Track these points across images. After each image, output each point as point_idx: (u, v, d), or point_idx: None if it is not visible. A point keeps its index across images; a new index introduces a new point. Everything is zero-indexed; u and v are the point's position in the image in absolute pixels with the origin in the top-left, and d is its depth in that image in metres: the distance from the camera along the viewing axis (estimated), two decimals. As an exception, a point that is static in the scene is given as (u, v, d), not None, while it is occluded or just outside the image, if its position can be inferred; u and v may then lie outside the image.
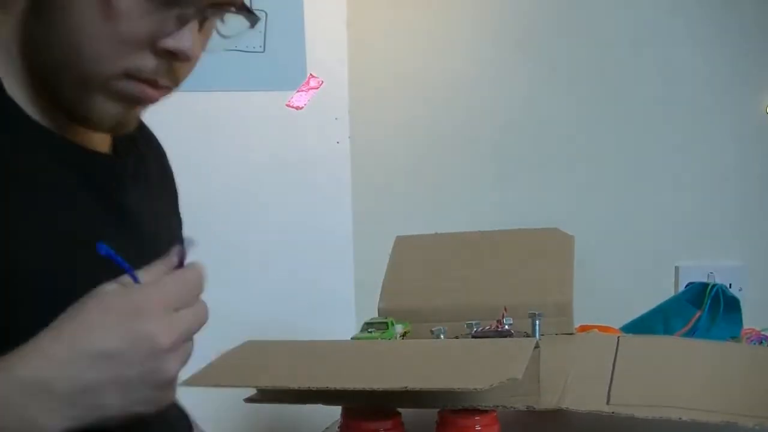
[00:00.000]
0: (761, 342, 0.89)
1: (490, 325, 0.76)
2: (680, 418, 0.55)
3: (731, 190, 1.37)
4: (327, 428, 0.75)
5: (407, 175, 1.48)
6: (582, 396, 0.60)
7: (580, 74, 1.40)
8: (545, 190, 1.41)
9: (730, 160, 1.37)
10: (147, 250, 0.73)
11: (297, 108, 1.39)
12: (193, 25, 0.69)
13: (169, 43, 0.69)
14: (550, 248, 0.89)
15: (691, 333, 0.93)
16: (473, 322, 0.78)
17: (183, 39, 0.69)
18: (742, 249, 1.36)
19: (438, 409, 0.57)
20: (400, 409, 0.59)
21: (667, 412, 0.56)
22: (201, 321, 0.64)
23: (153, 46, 0.69)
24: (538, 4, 1.41)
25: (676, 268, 1.37)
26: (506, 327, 0.75)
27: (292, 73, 1.38)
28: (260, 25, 1.36)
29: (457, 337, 0.77)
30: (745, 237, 1.36)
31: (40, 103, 0.72)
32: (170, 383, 0.61)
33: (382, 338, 0.78)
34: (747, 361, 0.73)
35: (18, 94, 0.71)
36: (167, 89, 0.72)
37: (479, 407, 0.56)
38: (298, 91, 1.40)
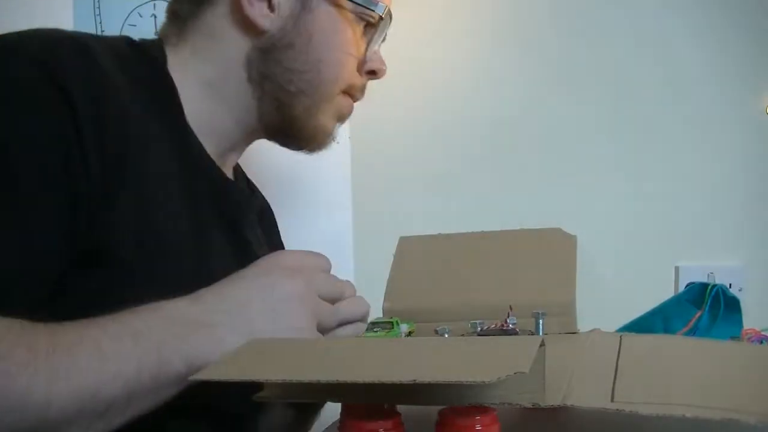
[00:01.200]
0: (761, 342, 0.89)
1: (495, 324, 0.77)
2: (683, 415, 0.55)
3: (731, 191, 1.37)
4: (327, 428, 0.75)
5: (408, 175, 1.48)
6: (586, 394, 0.60)
7: (582, 75, 1.40)
8: (546, 191, 1.41)
9: (731, 160, 1.37)
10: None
11: (297, 108, 1.38)
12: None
13: (375, 64, 0.90)
14: (553, 248, 0.90)
15: (692, 333, 0.93)
16: (477, 322, 0.78)
17: (381, 60, 0.91)
18: (742, 249, 1.37)
19: (439, 409, 0.57)
20: (400, 409, 0.59)
21: (670, 409, 0.56)
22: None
23: (361, 67, 0.89)
24: (540, 5, 1.41)
25: (676, 268, 1.38)
26: (511, 326, 0.75)
27: (292, 74, 1.38)
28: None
29: (462, 335, 0.77)
30: (745, 237, 1.37)
31: (211, 135, 0.85)
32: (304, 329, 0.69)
33: (387, 337, 0.79)
34: (749, 359, 0.74)
35: (196, 120, 0.83)
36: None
37: (483, 405, 0.57)
38: (298, 92, 1.39)
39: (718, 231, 1.38)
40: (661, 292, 1.08)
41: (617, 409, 0.57)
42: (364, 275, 1.48)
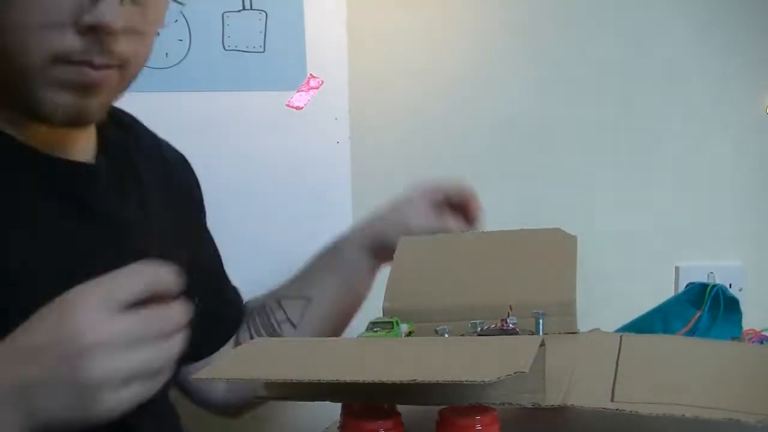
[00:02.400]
0: (761, 342, 0.89)
1: (495, 324, 0.77)
2: (683, 415, 0.55)
3: (731, 190, 1.37)
4: (327, 428, 0.75)
5: (408, 176, 1.48)
6: (586, 394, 0.60)
7: (582, 75, 1.40)
8: (546, 191, 1.41)
9: (731, 160, 1.37)
10: (126, 253, 0.72)
11: (297, 108, 1.39)
12: None
13: (88, 18, 0.66)
14: (553, 248, 0.90)
15: (691, 333, 0.93)
16: (477, 322, 0.79)
17: (102, 12, 0.67)
18: (742, 249, 1.37)
19: (439, 409, 0.57)
20: (400, 409, 0.60)
21: (670, 409, 0.56)
22: (151, 330, 0.56)
23: (75, 25, 0.66)
24: (540, 4, 1.41)
25: (676, 268, 1.38)
26: (511, 326, 0.76)
27: (292, 73, 1.38)
28: (260, 25, 1.36)
29: (462, 335, 0.77)
30: (744, 237, 1.37)
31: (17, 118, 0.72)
32: (95, 388, 0.54)
33: (387, 337, 0.79)
34: (749, 359, 0.74)
35: None
36: (111, 68, 0.71)
37: (484, 404, 0.57)
38: (298, 91, 1.40)
39: (718, 231, 1.38)
40: (661, 292, 1.08)
41: (617, 409, 0.57)
42: (364, 275, 1.48)
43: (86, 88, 0.71)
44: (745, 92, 1.36)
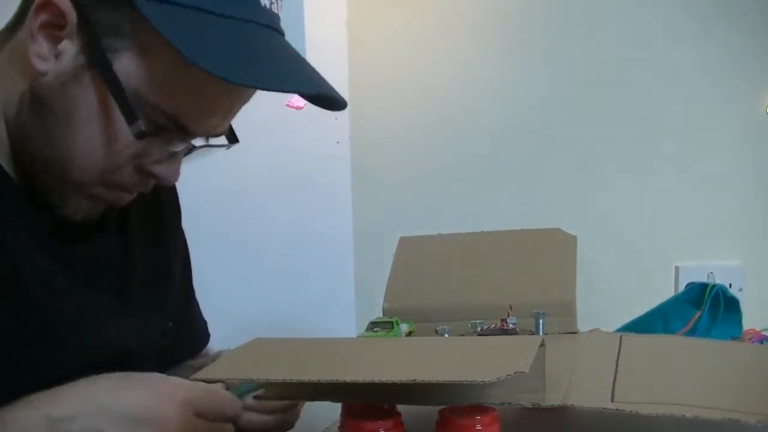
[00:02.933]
0: (761, 342, 0.89)
1: (495, 324, 0.77)
2: (683, 415, 0.55)
3: (731, 190, 1.37)
4: (327, 428, 0.75)
5: (407, 176, 1.48)
6: (586, 394, 0.60)
7: (581, 75, 1.40)
8: (546, 191, 1.41)
9: (730, 160, 1.37)
10: (107, 294, 0.74)
11: (297, 108, 1.38)
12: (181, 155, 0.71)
13: (157, 169, 0.70)
14: (553, 248, 0.90)
15: (691, 333, 0.93)
16: (477, 322, 0.79)
17: (172, 170, 0.71)
18: (742, 249, 1.37)
19: (439, 409, 0.57)
20: (400, 409, 0.60)
21: (670, 409, 0.56)
22: None
23: (139, 165, 0.70)
24: (539, 4, 1.41)
25: (676, 268, 1.38)
26: (511, 326, 0.76)
27: (292, 74, 1.38)
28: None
29: (462, 335, 0.77)
30: (744, 237, 1.37)
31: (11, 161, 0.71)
32: None
33: (387, 337, 0.79)
34: (749, 359, 0.74)
35: None
36: (140, 193, 0.74)
37: (484, 404, 0.57)
38: (298, 92, 1.39)
39: (718, 231, 1.38)
40: (661, 292, 1.09)
41: (617, 409, 0.57)
42: (364, 275, 1.48)
43: (109, 205, 0.73)
44: (745, 92, 1.35)
